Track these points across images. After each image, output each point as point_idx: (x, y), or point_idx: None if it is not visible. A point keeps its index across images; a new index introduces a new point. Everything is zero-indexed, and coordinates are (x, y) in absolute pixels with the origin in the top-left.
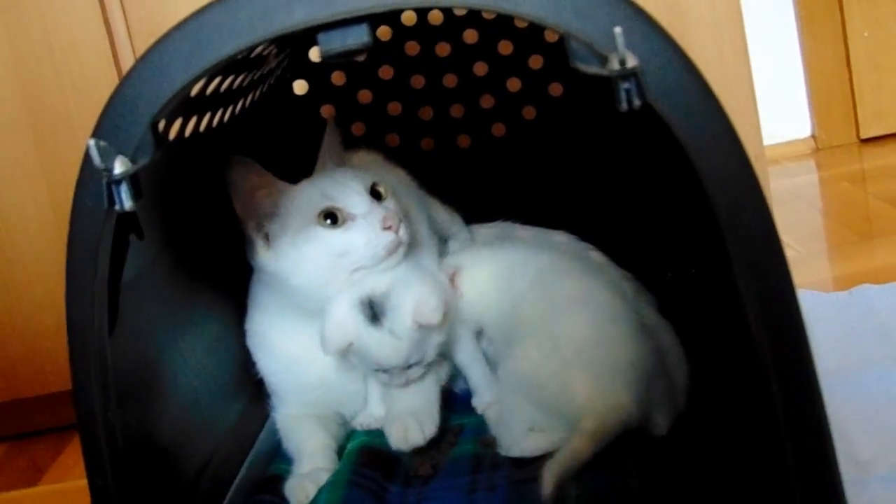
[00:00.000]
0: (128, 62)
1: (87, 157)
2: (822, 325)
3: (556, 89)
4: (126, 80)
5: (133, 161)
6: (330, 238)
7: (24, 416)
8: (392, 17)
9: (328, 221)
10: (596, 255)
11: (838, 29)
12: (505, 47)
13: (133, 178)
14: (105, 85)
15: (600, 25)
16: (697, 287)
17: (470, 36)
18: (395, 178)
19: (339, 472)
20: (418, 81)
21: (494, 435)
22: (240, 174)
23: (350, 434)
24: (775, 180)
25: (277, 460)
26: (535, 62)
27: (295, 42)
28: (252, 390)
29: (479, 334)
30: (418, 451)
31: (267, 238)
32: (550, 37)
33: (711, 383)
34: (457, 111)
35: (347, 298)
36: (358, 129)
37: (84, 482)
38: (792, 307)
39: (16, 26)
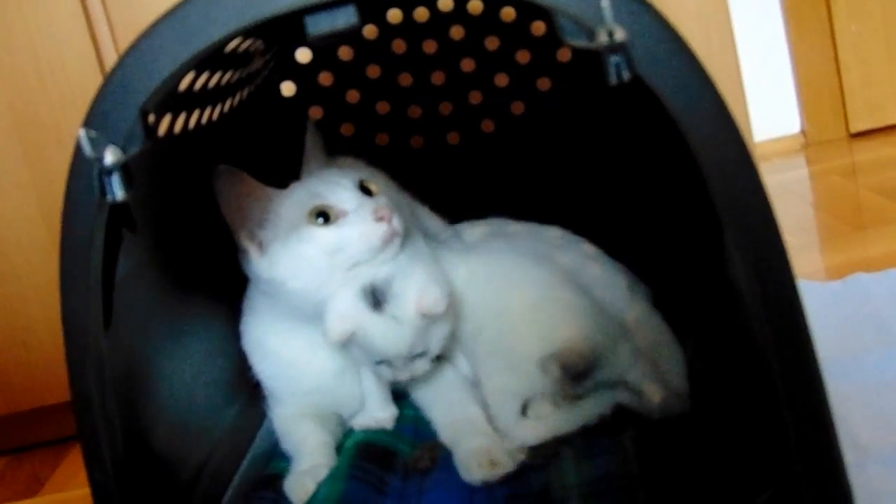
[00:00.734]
0: None
1: (77, 147)
2: (817, 313)
3: (543, 84)
4: (115, 70)
5: (124, 150)
6: (323, 236)
7: (22, 429)
8: (378, 15)
9: (320, 220)
10: (589, 248)
11: (825, 24)
12: (492, 43)
13: (124, 169)
14: (92, 93)
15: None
16: (694, 272)
17: (456, 32)
18: (381, 182)
19: (339, 466)
20: (406, 80)
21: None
22: (227, 184)
23: (348, 432)
24: (765, 176)
25: (276, 459)
26: (523, 57)
27: (281, 39)
28: (249, 391)
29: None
30: (418, 445)
31: (260, 246)
32: (537, 31)
33: (712, 369)
34: (445, 108)
35: (350, 289)
36: (347, 129)
37: (85, 491)
38: (787, 276)
39: (0, 38)
